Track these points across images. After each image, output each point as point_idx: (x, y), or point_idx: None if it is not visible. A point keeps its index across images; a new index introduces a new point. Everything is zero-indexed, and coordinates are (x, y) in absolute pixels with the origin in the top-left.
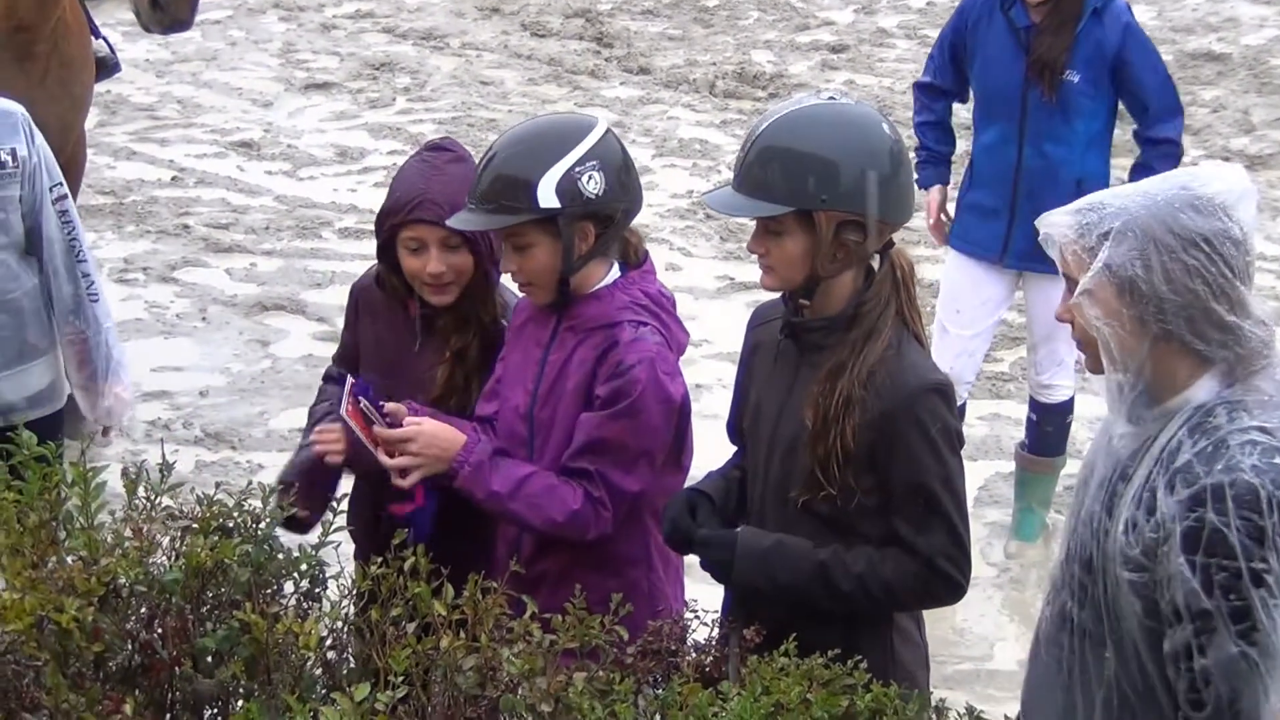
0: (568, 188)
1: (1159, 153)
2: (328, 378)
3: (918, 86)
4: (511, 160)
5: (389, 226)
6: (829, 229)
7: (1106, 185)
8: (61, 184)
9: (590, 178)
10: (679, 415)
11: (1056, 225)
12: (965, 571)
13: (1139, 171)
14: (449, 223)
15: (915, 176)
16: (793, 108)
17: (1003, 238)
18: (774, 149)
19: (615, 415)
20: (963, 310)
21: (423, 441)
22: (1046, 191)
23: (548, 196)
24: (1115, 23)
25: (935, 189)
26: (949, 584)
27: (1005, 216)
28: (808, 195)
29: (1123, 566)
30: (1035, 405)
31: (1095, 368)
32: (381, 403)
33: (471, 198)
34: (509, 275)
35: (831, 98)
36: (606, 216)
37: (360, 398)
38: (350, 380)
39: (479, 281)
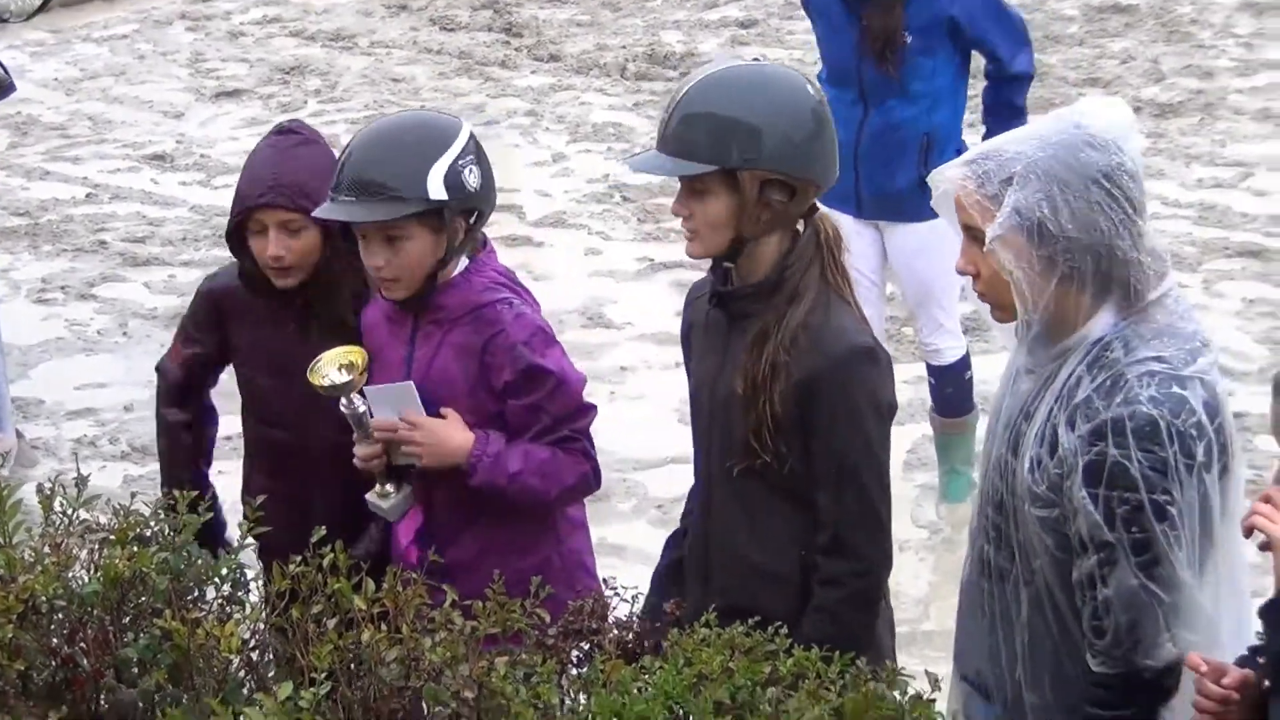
0: (453, 180)
1: (1014, 88)
2: (171, 397)
3: None
4: (393, 153)
5: (237, 212)
6: (753, 188)
7: (958, 138)
8: None
9: (470, 170)
10: None
11: (951, 179)
12: (880, 544)
13: (993, 107)
14: (318, 214)
15: None
16: (717, 69)
17: (853, 193)
18: (698, 109)
19: (552, 392)
20: None
21: (425, 434)
22: (892, 149)
23: (436, 188)
24: None
25: None
26: (864, 560)
27: (851, 172)
28: (732, 154)
29: (1031, 504)
30: (930, 369)
31: (1004, 317)
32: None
33: (340, 190)
34: (373, 270)
35: (756, 59)
36: (477, 211)
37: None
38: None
39: (327, 265)
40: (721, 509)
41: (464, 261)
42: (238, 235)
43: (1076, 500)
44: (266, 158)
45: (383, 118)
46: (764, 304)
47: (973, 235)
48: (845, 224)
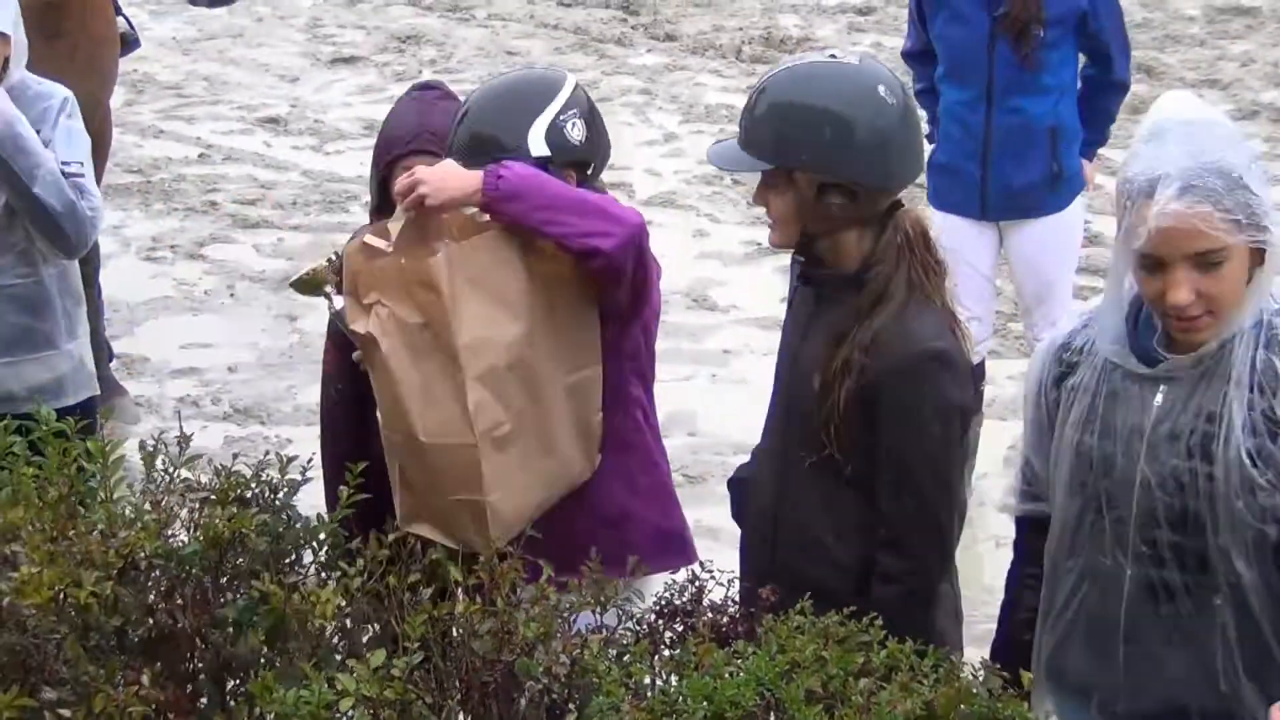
0: (555, 136)
1: (1115, 96)
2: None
3: (905, 56)
4: (497, 113)
5: (387, 161)
6: (809, 189)
7: (1079, 133)
8: (81, 163)
9: (574, 125)
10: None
11: (1177, 213)
12: (936, 545)
13: (1092, 114)
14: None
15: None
16: (792, 64)
17: (978, 193)
18: (763, 104)
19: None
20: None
21: (427, 173)
22: (1022, 145)
23: (538, 145)
24: None
25: None
26: (918, 560)
27: (977, 171)
28: (788, 154)
29: (1250, 496)
30: None
31: (1209, 336)
32: None
33: (453, 150)
34: None
35: (833, 55)
36: (586, 164)
37: None
38: None
39: None
40: (795, 487)
41: None
42: (382, 190)
43: None
44: (411, 108)
45: (496, 76)
46: (848, 296)
47: (1199, 261)
48: (960, 225)
